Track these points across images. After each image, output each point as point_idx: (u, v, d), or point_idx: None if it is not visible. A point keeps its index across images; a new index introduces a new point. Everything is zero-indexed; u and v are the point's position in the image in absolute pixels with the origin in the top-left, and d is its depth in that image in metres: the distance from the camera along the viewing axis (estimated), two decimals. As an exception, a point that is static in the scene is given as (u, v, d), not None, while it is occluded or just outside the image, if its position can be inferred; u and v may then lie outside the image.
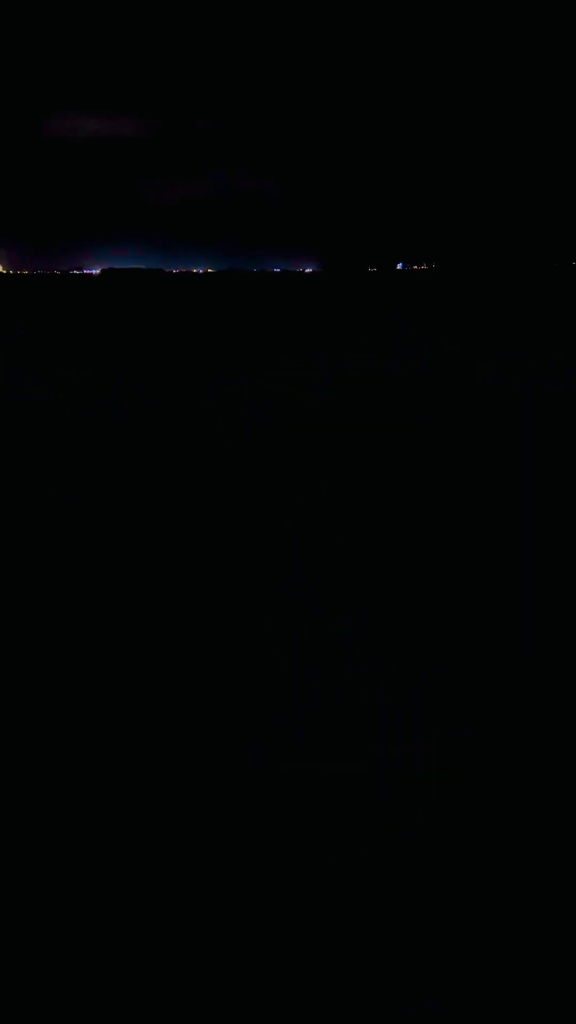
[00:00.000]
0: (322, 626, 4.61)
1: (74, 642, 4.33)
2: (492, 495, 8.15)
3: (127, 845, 2.77)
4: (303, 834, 2.83)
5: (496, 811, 2.99)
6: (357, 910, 2.50)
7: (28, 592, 5.03)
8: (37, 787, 3.10)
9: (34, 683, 3.90)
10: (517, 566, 5.82)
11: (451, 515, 7.30)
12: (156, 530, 6.48)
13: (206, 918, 2.46)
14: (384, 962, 2.32)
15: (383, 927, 2.44)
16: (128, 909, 2.49)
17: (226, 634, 4.47)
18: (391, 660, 4.21)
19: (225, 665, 4.11)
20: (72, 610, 4.76)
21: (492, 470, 9.49)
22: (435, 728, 3.56)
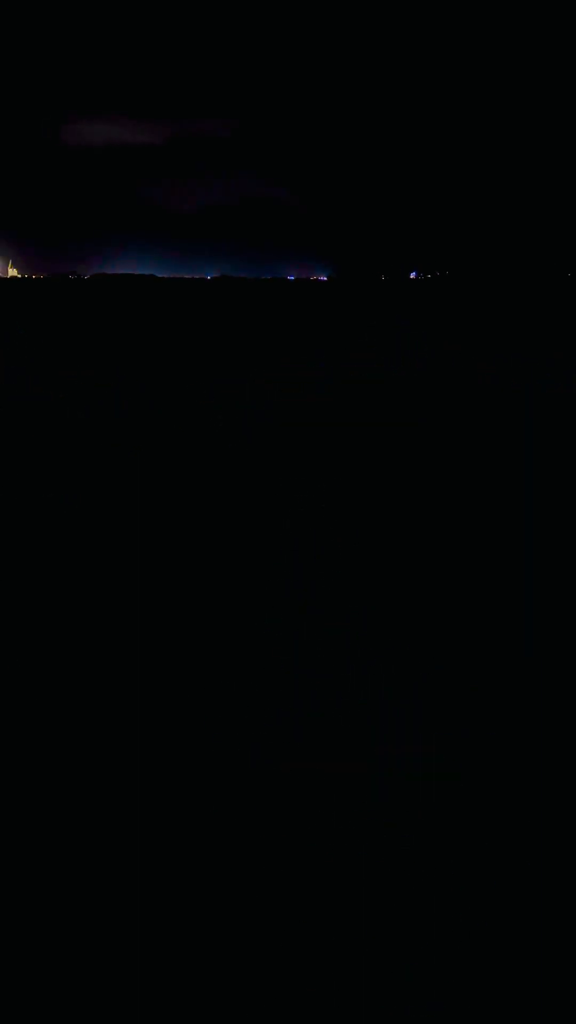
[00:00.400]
0: (322, 626, 4.61)
1: (74, 642, 4.33)
2: (492, 495, 8.15)
3: (128, 844, 2.77)
4: (303, 834, 2.83)
5: (496, 811, 2.99)
6: (357, 910, 2.49)
7: (28, 593, 5.03)
8: (39, 786, 3.10)
9: (35, 683, 3.89)
10: (517, 566, 5.81)
11: (451, 515, 7.30)
12: (156, 530, 6.47)
13: (206, 917, 2.46)
14: (384, 962, 2.31)
15: (383, 927, 2.43)
16: (128, 907, 2.49)
17: (226, 634, 4.47)
18: (391, 660, 4.21)
19: (225, 665, 4.11)
20: (72, 610, 4.75)
21: (492, 470, 9.49)
22: (435, 728, 3.55)
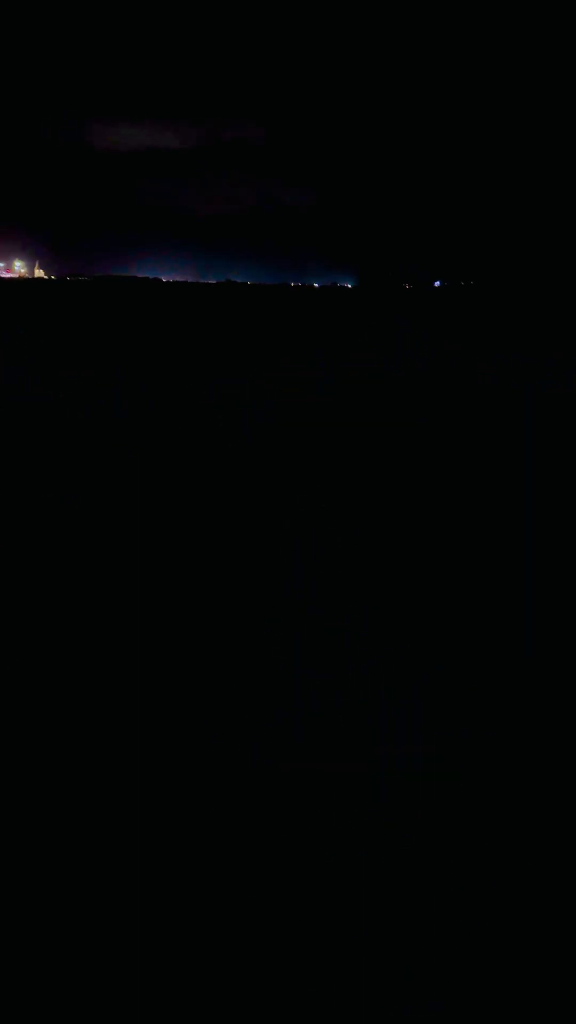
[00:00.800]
0: (322, 626, 4.61)
1: (74, 641, 4.33)
2: (492, 495, 8.15)
3: (128, 843, 2.77)
4: (303, 833, 2.83)
5: (496, 811, 2.99)
6: (357, 910, 2.49)
7: (28, 592, 5.02)
8: (40, 784, 3.10)
9: (35, 683, 3.89)
10: (517, 566, 5.81)
11: (451, 515, 7.29)
12: (156, 529, 6.47)
13: (206, 916, 2.46)
14: (384, 962, 2.31)
15: (383, 927, 2.43)
16: (129, 906, 2.49)
17: (226, 634, 4.47)
18: (391, 660, 4.21)
19: (225, 665, 4.11)
20: (72, 609, 4.75)
21: (492, 470, 9.48)
22: (435, 728, 3.55)
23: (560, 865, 2.70)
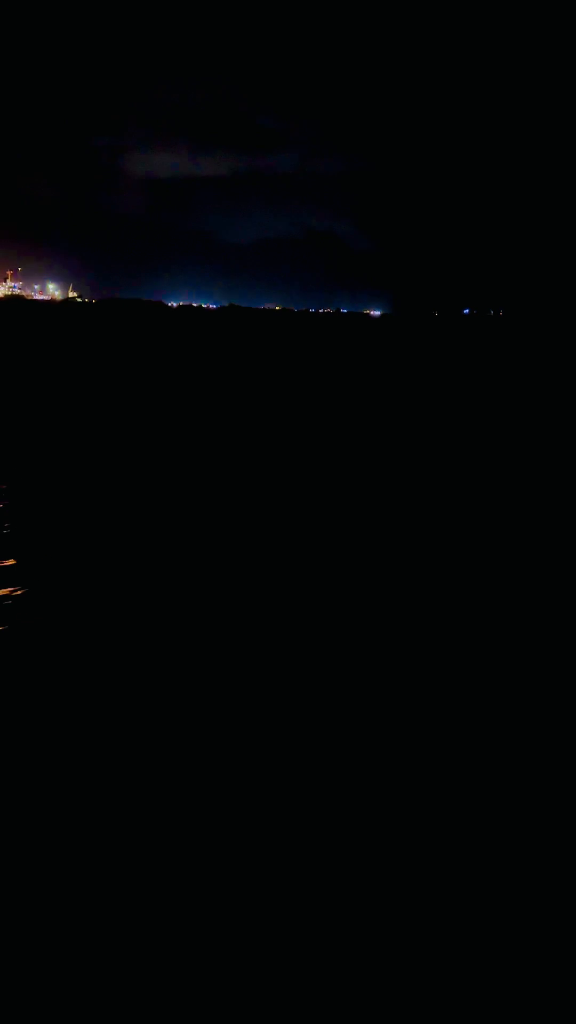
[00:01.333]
0: (321, 626, 4.61)
1: (73, 639, 4.32)
2: (492, 494, 8.15)
3: (128, 842, 2.76)
4: (303, 833, 2.82)
5: (495, 810, 2.98)
6: (357, 910, 2.49)
7: (29, 590, 5.02)
8: (41, 781, 3.09)
9: (37, 682, 3.89)
10: (517, 566, 5.81)
11: (451, 515, 7.30)
12: (155, 529, 6.47)
13: (205, 916, 2.45)
14: (384, 962, 2.31)
15: (383, 927, 2.43)
16: (129, 904, 2.48)
17: (226, 633, 4.47)
18: (391, 660, 4.21)
19: (225, 664, 4.10)
20: (72, 608, 4.75)
21: (492, 469, 9.49)
22: (436, 727, 3.55)
23: (559, 864, 2.70)
